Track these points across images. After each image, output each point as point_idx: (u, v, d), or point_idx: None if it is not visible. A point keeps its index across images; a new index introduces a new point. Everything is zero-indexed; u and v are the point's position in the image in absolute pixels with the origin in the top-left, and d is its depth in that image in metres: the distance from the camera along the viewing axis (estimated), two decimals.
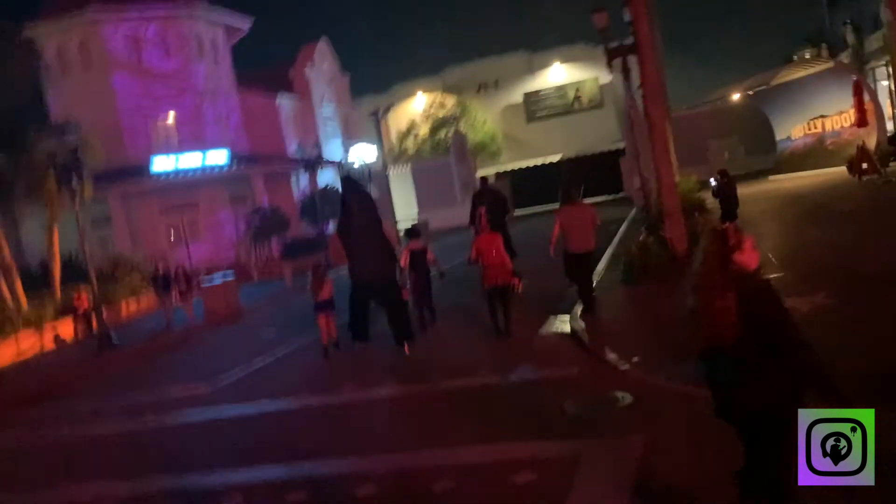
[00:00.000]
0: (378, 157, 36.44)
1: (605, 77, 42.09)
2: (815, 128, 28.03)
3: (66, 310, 19.16)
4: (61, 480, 7.59)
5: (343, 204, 11.80)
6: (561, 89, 46.05)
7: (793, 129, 29.17)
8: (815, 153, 27.38)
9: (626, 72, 16.69)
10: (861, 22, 27.65)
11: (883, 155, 22.75)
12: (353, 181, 12.67)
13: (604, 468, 5.38)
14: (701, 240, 3.83)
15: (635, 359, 7.93)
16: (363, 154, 38.90)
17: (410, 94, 47.30)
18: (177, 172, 30.00)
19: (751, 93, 31.46)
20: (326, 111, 41.38)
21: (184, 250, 28.43)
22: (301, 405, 9.08)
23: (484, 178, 17.99)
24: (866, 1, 26.45)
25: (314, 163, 32.44)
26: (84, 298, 18.81)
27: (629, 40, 14.66)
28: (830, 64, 28.13)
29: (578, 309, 10.78)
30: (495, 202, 14.44)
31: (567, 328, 10.32)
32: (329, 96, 41.90)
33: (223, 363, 12.53)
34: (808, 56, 34.19)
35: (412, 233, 12.15)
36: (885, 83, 25.57)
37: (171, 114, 31.80)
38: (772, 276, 9.05)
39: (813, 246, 12.10)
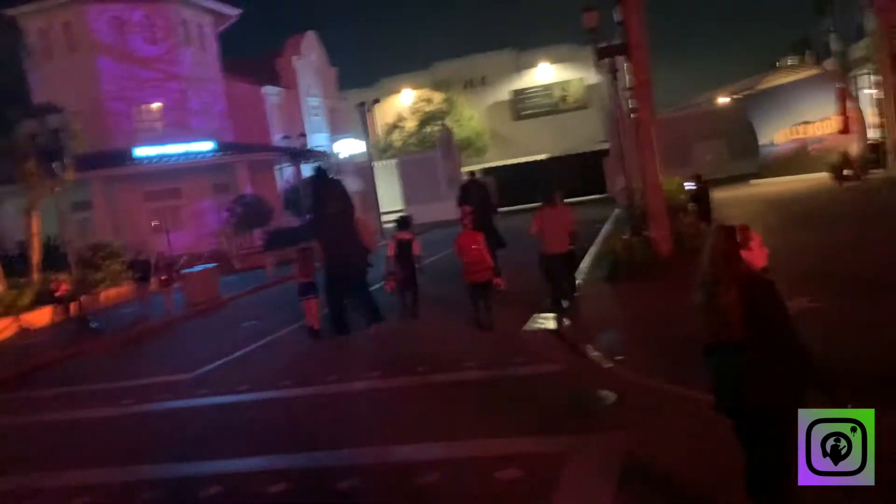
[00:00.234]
0: (365, 150, 36.30)
1: (591, 78, 42.37)
2: (799, 133, 28.30)
3: (44, 295, 18.88)
4: (32, 468, 7.47)
5: (315, 196, 11.90)
6: (547, 88, 46.20)
7: (777, 134, 29.42)
8: (798, 158, 27.69)
9: (613, 72, 16.73)
10: (845, 31, 27.90)
11: (864, 162, 23.05)
12: (324, 172, 12.64)
13: (589, 464, 5.38)
14: (709, 236, 3.83)
15: (619, 357, 7.94)
16: (349, 146, 38.68)
17: (398, 88, 47.22)
18: (160, 158, 29.57)
19: (737, 97, 31.67)
20: (313, 102, 41.10)
21: (165, 238, 28.10)
22: (281, 396, 9.01)
23: (472, 173, 18.07)
24: (851, 10, 26.73)
25: (299, 154, 32.17)
26: (63, 284, 18.55)
27: (618, 40, 14.67)
28: (815, 71, 28.39)
29: (561, 306, 10.83)
30: (483, 199, 14.42)
31: (551, 325, 10.34)
32: (316, 88, 41.62)
33: (203, 352, 12.42)
34: (792, 63, 34.44)
35: (402, 223, 12.24)
36: (868, 91, 25.87)
37: (157, 101, 31.45)
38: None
39: (797, 250, 12.19)
